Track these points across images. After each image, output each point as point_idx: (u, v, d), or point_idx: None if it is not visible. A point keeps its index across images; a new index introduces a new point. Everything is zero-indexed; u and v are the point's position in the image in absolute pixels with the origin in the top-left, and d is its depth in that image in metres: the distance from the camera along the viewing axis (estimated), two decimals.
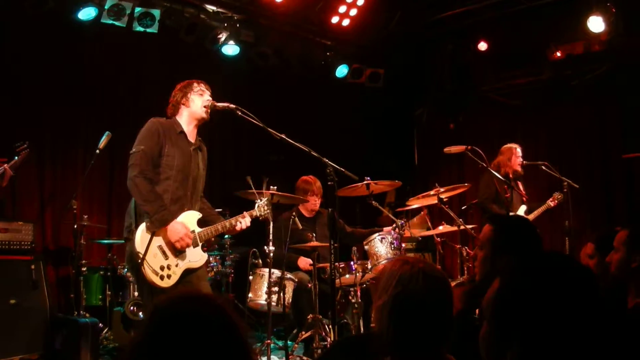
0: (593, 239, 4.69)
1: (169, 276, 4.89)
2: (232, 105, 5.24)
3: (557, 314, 1.71)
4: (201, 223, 5.20)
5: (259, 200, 5.48)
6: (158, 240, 4.90)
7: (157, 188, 4.95)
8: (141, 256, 4.78)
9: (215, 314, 1.67)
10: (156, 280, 4.83)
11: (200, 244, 5.12)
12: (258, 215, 5.44)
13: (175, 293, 1.75)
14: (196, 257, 5.10)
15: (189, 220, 5.08)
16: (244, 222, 5.28)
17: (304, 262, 7.44)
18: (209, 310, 1.67)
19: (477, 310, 3.27)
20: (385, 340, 2.42)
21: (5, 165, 6.24)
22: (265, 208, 5.47)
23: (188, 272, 5.04)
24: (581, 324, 1.71)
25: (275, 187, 5.98)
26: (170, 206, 4.96)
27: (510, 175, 8.41)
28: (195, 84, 5.27)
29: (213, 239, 5.36)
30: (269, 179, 5.95)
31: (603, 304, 1.79)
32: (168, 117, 5.24)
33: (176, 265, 4.94)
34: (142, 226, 4.88)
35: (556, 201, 8.43)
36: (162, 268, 4.86)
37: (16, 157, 6.39)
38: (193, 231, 5.07)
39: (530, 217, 8.31)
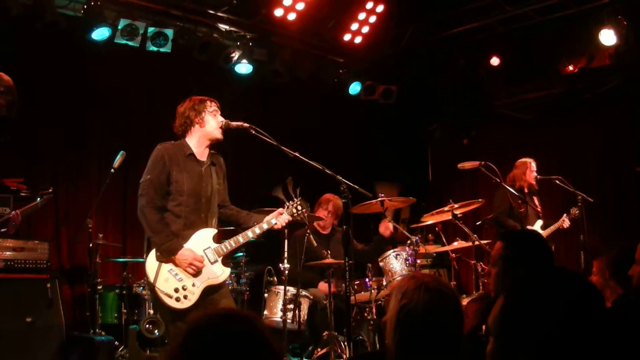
0: (605, 260, 4.66)
1: (185, 297, 4.88)
2: (246, 124, 5.24)
3: (562, 330, 1.71)
4: (231, 232, 5.19)
5: (289, 201, 5.41)
6: (168, 265, 4.92)
7: (170, 215, 4.99)
8: (152, 283, 4.83)
9: (251, 333, 1.68)
10: (172, 303, 4.84)
11: (219, 259, 5.11)
12: (289, 215, 5.36)
13: (212, 311, 1.76)
14: (215, 273, 5.07)
15: (203, 238, 5.08)
16: (278, 220, 5.27)
17: (324, 286, 7.43)
18: (246, 329, 1.68)
19: (483, 327, 3.28)
20: (393, 352, 2.46)
21: (17, 211, 6.16)
22: (299, 208, 5.38)
23: (211, 290, 5.04)
24: (587, 340, 1.71)
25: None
26: (184, 231, 4.99)
27: (525, 190, 8.41)
28: (208, 103, 5.23)
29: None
30: (292, 178, 5.89)
31: (609, 320, 1.78)
32: (176, 136, 5.25)
33: (193, 285, 4.93)
34: (152, 253, 4.93)
35: (569, 221, 8.41)
36: (176, 290, 4.86)
37: (38, 199, 6.38)
38: (208, 247, 5.07)
39: (544, 233, 8.29)
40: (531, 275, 1.87)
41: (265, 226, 5.23)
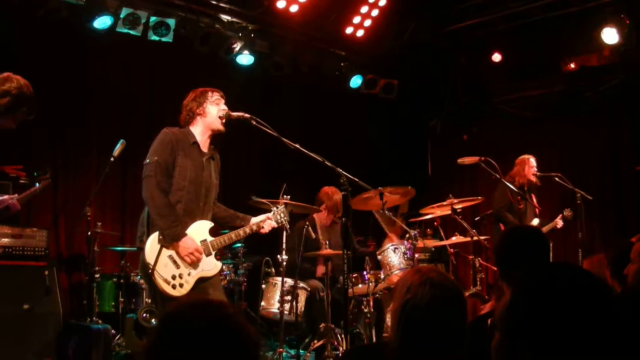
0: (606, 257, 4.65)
1: (181, 285, 4.88)
2: (247, 115, 5.23)
3: (569, 325, 1.70)
4: (219, 229, 5.21)
5: (275, 208, 5.49)
6: (169, 251, 4.89)
7: (171, 198, 4.96)
8: (151, 267, 4.79)
9: (222, 323, 1.68)
10: (168, 289, 4.83)
11: (213, 253, 5.12)
12: (274, 221, 5.44)
13: (185, 300, 1.76)
14: (209, 265, 5.08)
15: (200, 230, 5.07)
16: (265, 225, 5.35)
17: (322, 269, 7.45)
18: (216, 319, 1.68)
19: (488, 320, 3.28)
20: (394, 345, 2.46)
21: (13, 199, 6.01)
22: (283, 215, 5.49)
23: (202, 281, 5.04)
24: (594, 336, 1.70)
25: (289, 197, 5.98)
26: (182, 217, 4.97)
27: (525, 187, 8.41)
28: (210, 93, 5.23)
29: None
30: (286, 185, 5.95)
31: (617, 316, 1.77)
32: (181, 126, 5.24)
33: (188, 274, 4.93)
34: (153, 236, 4.87)
35: (563, 222, 8.42)
36: (173, 277, 4.86)
37: (37, 184, 6.33)
38: (205, 240, 5.07)
39: None
40: (538, 271, 1.86)
41: (254, 228, 5.33)
